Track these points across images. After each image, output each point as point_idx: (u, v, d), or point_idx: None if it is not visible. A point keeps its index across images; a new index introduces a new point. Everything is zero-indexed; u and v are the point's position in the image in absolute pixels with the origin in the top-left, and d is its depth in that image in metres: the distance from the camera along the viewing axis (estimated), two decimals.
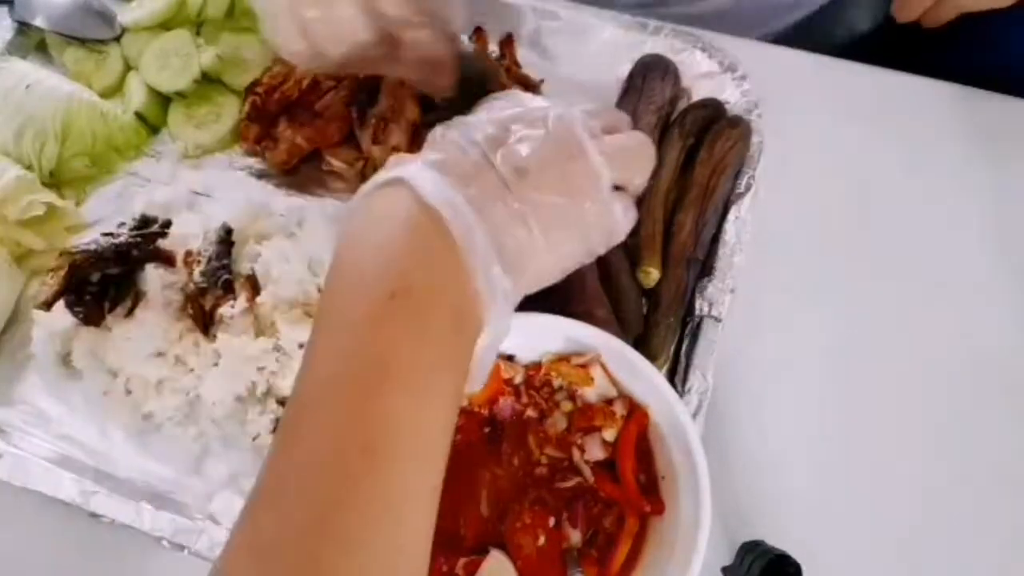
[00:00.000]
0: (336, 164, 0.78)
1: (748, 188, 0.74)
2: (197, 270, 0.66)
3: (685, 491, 0.55)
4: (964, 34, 0.80)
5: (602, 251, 0.50)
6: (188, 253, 0.68)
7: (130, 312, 0.66)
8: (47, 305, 0.65)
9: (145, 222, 0.70)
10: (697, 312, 0.69)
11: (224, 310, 0.65)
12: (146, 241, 0.68)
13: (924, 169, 0.81)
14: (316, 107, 0.76)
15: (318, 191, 0.79)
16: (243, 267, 0.70)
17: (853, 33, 1.01)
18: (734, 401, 0.68)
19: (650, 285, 0.71)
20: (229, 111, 0.80)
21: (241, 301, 0.65)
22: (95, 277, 0.66)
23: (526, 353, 0.61)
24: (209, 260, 0.66)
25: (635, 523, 0.57)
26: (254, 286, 0.67)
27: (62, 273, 0.65)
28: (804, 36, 1.01)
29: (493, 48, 0.83)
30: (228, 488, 0.65)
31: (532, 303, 0.68)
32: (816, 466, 0.67)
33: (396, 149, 0.74)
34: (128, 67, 0.82)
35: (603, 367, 0.59)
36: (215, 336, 0.65)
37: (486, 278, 0.42)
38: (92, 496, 0.63)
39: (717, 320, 0.68)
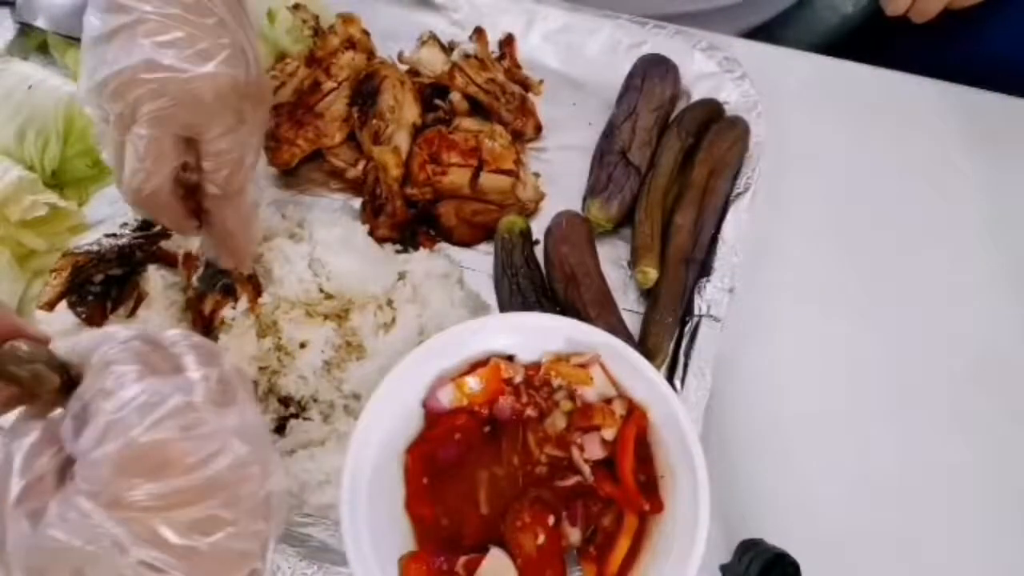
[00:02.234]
0: (337, 164, 0.78)
1: (747, 188, 0.75)
2: (195, 276, 0.66)
3: (684, 490, 0.55)
4: (952, 27, 0.81)
5: None
6: (188, 255, 0.68)
7: (132, 313, 0.67)
8: (49, 305, 0.65)
9: (147, 223, 0.70)
10: (696, 312, 0.69)
11: (226, 312, 0.66)
12: (148, 242, 0.68)
13: (923, 168, 0.81)
14: (317, 108, 0.77)
15: (319, 191, 0.79)
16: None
17: (841, 15, 1.02)
18: (733, 400, 0.69)
19: (647, 285, 0.71)
20: None
21: (243, 303, 0.66)
22: (97, 278, 0.66)
23: (526, 353, 0.61)
24: (207, 266, 0.66)
25: (634, 521, 0.57)
26: (256, 287, 0.67)
27: (64, 274, 0.65)
28: (795, 20, 1.02)
29: (493, 48, 0.84)
30: None
31: (536, 305, 0.69)
32: (815, 465, 0.68)
33: (397, 150, 0.75)
34: None
35: (602, 367, 0.59)
36: (216, 338, 0.65)
37: None
38: None
39: (716, 320, 0.68)
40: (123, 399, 0.37)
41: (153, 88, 0.53)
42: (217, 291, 0.66)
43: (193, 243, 0.70)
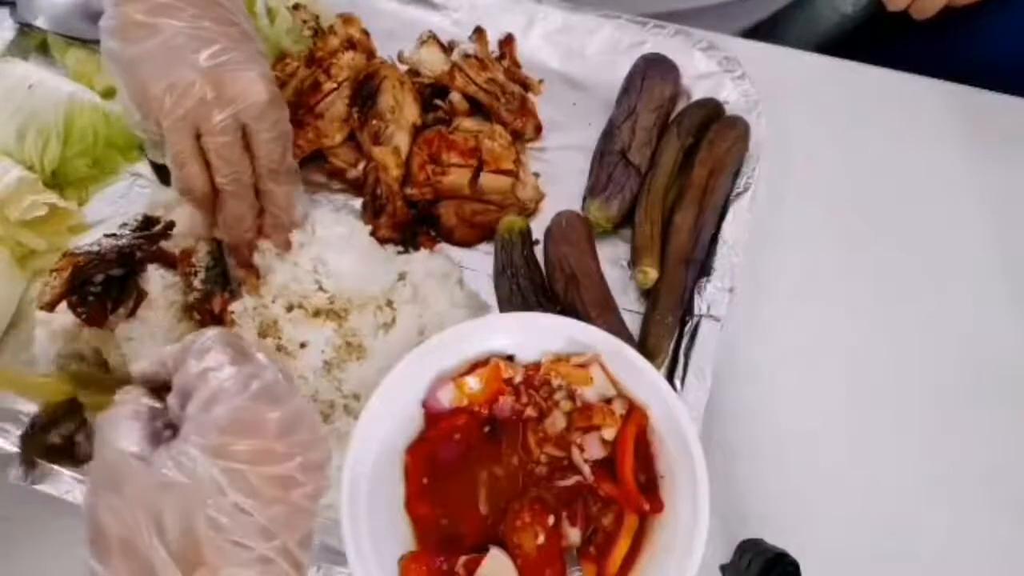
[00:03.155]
0: (337, 165, 0.78)
1: (747, 188, 0.75)
2: (196, 279, 0.66)
3: (684, 490, 0.55)
4: (952, 25, 0.81)
5: None
6: (184, 253, 0.68)
7: (132, 312, 0.67)
8: (50, 306, 0.65)
9: (147, 223, 0.70)
10: (696, 312, 0.69)
11: (235, 308, 0.66)
12: (148, 242, 0.68)
13: (923, 168, 0.81)
14: (317, 108, 0.77)
15: (320, 191, 0.79)
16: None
17: (841, 14, 1.02)
18: (733, 400, 0.69)
19: (647, 285, 0.71)
20: None
21: (249, 301, 0.66)
22: (98, 278, 0.66)
23: (526, 353, 0.61)
24: (207, 269, 0.66)
25: (634, 521, 0.57)
26: (255, 273, 0.67)
27: (65, 274, 0.65)
28: (795, 19, 1.02)
29: (493, 48, 0.84)
30: None
31: (536, 305, 0.69)
32: (815, 465, 0.68)
33: (397, 150, 0.75)
34: None
35: (602, 367, 0.59)
36: None
37: None
38: None
39: (716, 320, 0.68)
40: (225, 375, 0.45)
41: (218, 97, 0.62)
42: (225, 289, 0.66)
43: (192, 240, 0.70)
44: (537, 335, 0.61)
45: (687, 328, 0.69)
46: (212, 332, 0.48)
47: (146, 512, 0.42)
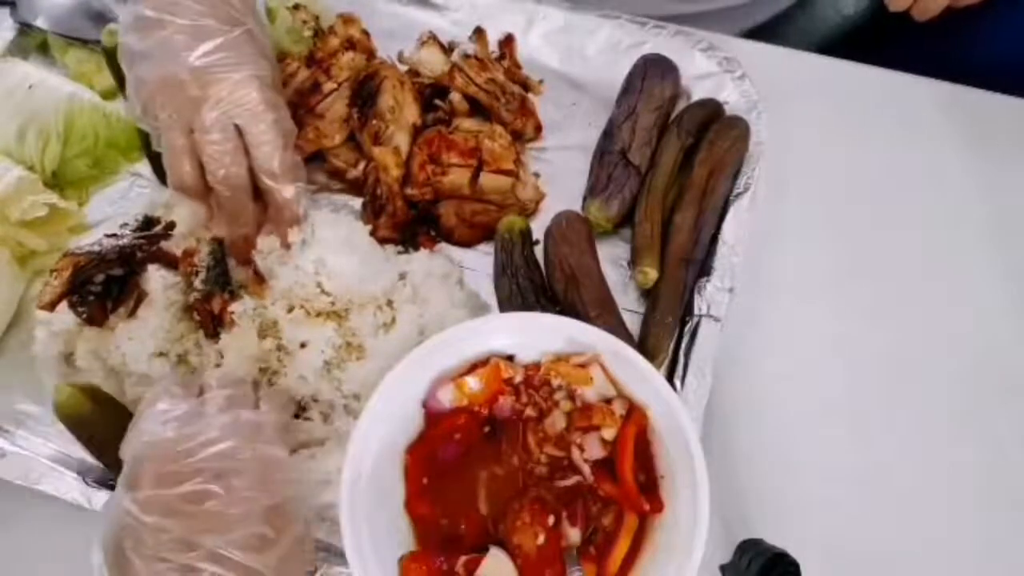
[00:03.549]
0: (338, 165, 0.78)
1: (747, 188, 0.75)
2: (197, 279, 0.66)
3: (684, 490, 0.55)
4: (953, 27, 0.81)
5: None
6: (186, 253, 0.68)
7: (132, 312, 0.67)
8: (50, 306, 0.65)
9: (148, 223, 0.70)
10: (696, 312, 0.69)
11: (236, 308, 0.66)
12: (149, 242, 0.68)
13: (923, 168, 0.81)
14: (317, 109, 0.77)
15: (320, 191, 0.79)
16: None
17: (843, 16, 1.02)
18: (733, 400, 0.69)
19: (647, 285, 0.71)
20: None
21: (249, 301, 0.66)
22: (98, 278, 0.66)
23: (526, 353, 0.61)
24: (208, 269, 0.66)
25: (634, 521, 0.57)
26: (259, 276, 0.67)
27: (65, 274, 0.65)
28: (796, 20, 1.03)
29: (493, 48, 0.84)
30: None
31: (536, 305, 0.69)
32: (815, 465, 0.68)
33: (398, 150, 0.75)
34: None
35: (602, 367, 0.59)
36: (218, 336, 0.66)
37: None
38: (94, 494, 0.63)
39: (716, 320, 0.68)
40: (144, 415, 0.53)
41: (206, 97, 0.64)
42: (225, 290, 0.66)
43: (191, 242, 0.70)
44: (537, 335, 0.61)
45: (687, 328, 0.69)
46: (163, 382, 0.56)
47: (100, 543, 0.51)
